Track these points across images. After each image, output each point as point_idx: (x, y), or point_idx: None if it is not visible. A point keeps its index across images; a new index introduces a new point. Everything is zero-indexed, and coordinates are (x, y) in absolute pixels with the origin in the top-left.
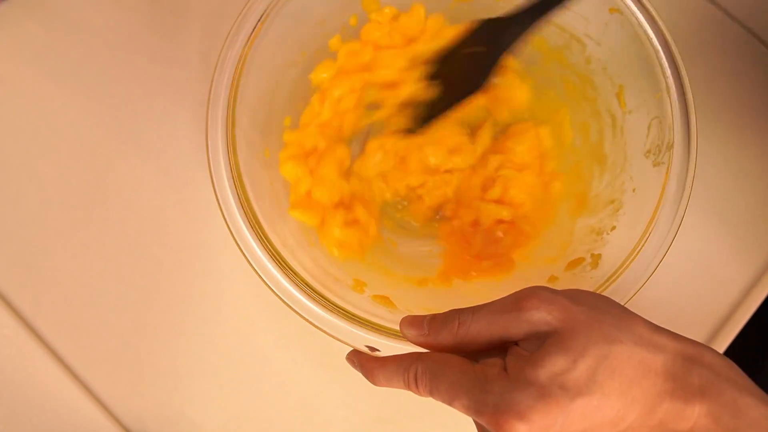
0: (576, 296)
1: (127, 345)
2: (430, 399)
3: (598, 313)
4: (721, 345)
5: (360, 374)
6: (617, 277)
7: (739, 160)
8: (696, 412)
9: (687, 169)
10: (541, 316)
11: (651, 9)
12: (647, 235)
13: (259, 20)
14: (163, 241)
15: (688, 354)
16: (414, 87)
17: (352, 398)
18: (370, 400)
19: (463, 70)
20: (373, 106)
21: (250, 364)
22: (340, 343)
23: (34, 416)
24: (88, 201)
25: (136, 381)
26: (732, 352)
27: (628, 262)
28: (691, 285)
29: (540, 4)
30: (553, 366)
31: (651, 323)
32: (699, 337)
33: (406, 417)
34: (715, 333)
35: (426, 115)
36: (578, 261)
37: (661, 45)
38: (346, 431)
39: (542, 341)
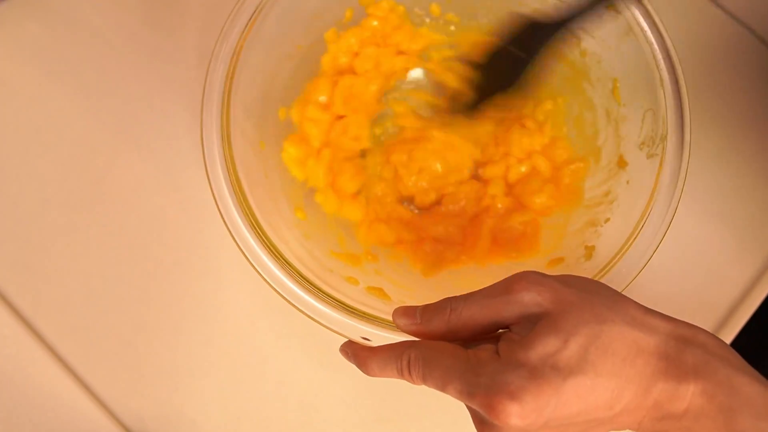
0: (566, 279)
1: (127, 344)
2: (430, 398)
3: (589, 294)
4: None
5: (358, 372)
6: (610, 267)
7: (739, 158)
8: (690, 392)
9: (681, 160)
10: (531, 297)
11: (645, 1)
12: (641, 226)
13: (254, 13)
14: (163, 240)
15: (680, 334)
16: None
17: (352, 398)
18: (370, 400)
19: (501, 67)
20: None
21: (250, 363)
22: (339, 342)
23: (34, 416)
24: (88, 201)
25: (136, 381)
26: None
27: (621, 253)
28: (693, 283)
29: (577, 10)
30: (544, 347)
31: (642, 306)
32: None
33: (406, 417)
34: (717, 331)
35: (467, 103)
36: (559, 260)
37: (654, 37)
38: (346, 431)
39: (533, 324)
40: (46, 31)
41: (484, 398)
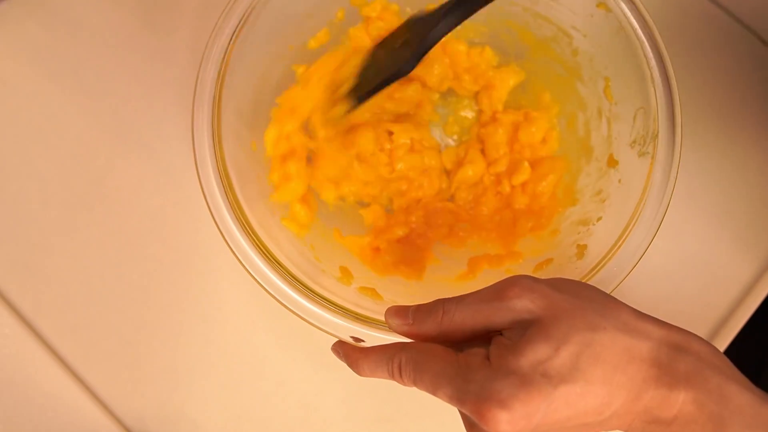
0: (559, 284)
1: (128, 344)
2: (430, 398)
3: (582, 300)
4: (722, 344)
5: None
6: (602, 267)
7: (738, 158)
8: (681, 399)
9: (672, 159)
10: (523, 305)
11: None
12: (632, 224)
13: (245, 14)
14: (163, 240)
15: (673, 341)
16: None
17: (352, 398)
18: (370, 399)
19: (393, 56)
20: None
21: (250, 363)
22: (334, 338)
23: (34, 416)
24: (88, 201)
25: (136, 380)
26: (732, 351)
27: (613, 252)
28: (691, 283)
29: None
30: (535, 354)
31: (636, 310)
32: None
33: (406, 417)
34: (715, 332)
35: (360, 93)
36: (551, 259)
37: (645, 35)
38: (346, 431)
39: (525, 330)
40: (46, 31)
41: (474, 405)
